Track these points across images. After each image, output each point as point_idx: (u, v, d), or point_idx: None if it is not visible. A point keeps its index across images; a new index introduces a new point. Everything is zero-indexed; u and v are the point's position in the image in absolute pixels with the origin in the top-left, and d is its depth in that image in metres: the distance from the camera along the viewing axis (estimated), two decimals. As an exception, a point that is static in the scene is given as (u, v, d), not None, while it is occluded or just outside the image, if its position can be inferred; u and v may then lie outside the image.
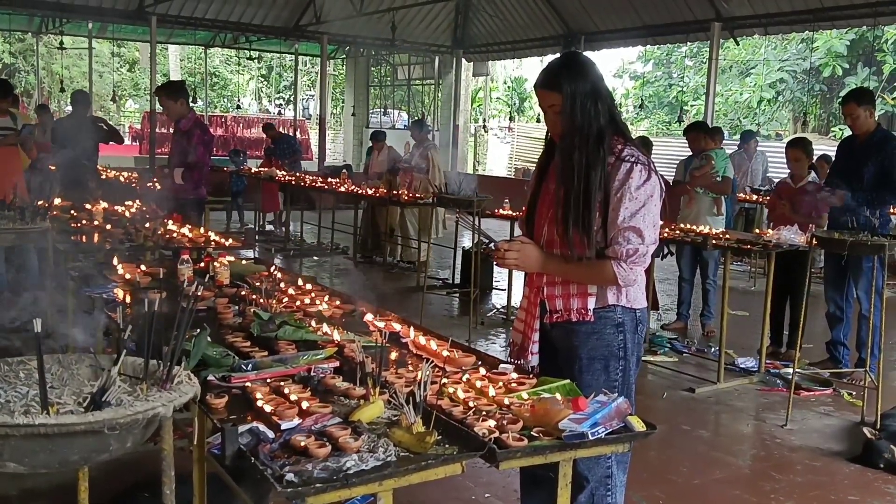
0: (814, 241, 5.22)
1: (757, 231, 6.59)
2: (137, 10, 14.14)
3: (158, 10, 14.09)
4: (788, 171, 6.61)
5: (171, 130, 6.98)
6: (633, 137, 2.61)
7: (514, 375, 2.44)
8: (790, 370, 5.53)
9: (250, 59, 23.83)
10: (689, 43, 20.82)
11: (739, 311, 8.05)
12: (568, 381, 2.36)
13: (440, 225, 9.92)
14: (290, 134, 16.48)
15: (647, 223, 2.46)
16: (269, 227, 13.07)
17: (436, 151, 10.25)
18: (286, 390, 2.24)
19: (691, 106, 24.54)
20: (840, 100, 5.87)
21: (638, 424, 2.10)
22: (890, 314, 5.75)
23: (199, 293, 2.24)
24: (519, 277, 7.38)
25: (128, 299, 3.08)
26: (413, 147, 10.16)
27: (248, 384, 2.30)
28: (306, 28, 15.96)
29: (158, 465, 1.94)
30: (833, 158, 6.31)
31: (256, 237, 12.18)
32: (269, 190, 12.36)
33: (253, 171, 12.30)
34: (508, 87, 33.83)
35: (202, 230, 5.18)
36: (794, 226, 5.88)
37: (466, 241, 10.17)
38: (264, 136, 14.00)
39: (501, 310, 7.91)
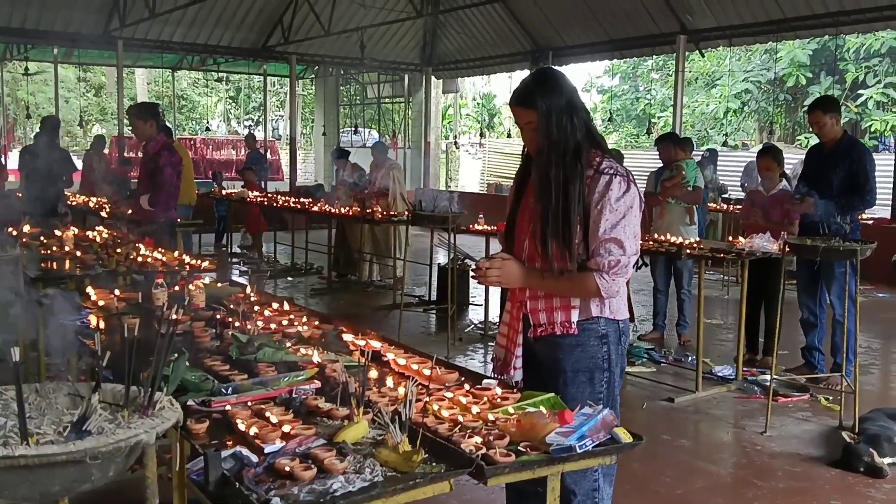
0: (786, 249, 5.28)
1: (730, 238, 6.65)
2: (104, 35, 14.03)
3: (125, 33, 13.99)
4: (759, 179, 6.69)
5: (140, 154, 6.92)
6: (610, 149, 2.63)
7: (499, 391, 2.44)
8: (767, 377, 5.57)
9: (218, 80, 23.72)
10: (654, 56, 21.11)
11: (714, 319, 8.12)
12: (552, 394, 2.36)
13: (404, 241, 9.89)
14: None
15: (628, 234, 2.48)
16: (236, 249, 12.99)
17: (398, 171, 10.24)
18: (268, 413, 2.21)
19: (659, 118, 24.81)
20: (805, 109, 5.96)
21: (624, 436, 2.10)
22: (863, 319, 5.82)
23: (178, 317, 2.21)
24: (495, 292, 7.39)
25: (102, 326, 3.03)
26: (374, 168, 10.13)
27: (228, 408, 2.27)
28: (274, 49, 15.95)
29: (138, 494, 1.90)
30: (801, 166, 6.39)
31: (231, 259, 12.09)
32: (254, 212, 12.31)
33: (224, 193, 12.23)
34: (478, 103, 34.03)
35: (175, 253, 5.12)
36: (766, 233, 5.94)
37: (441, 258, 10.16)
38: (245, 147, 14.19)
39: (479, 325, 7.91)
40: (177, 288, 3.89)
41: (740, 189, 12.41)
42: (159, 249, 5.06)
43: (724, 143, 24.17)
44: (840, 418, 5.17)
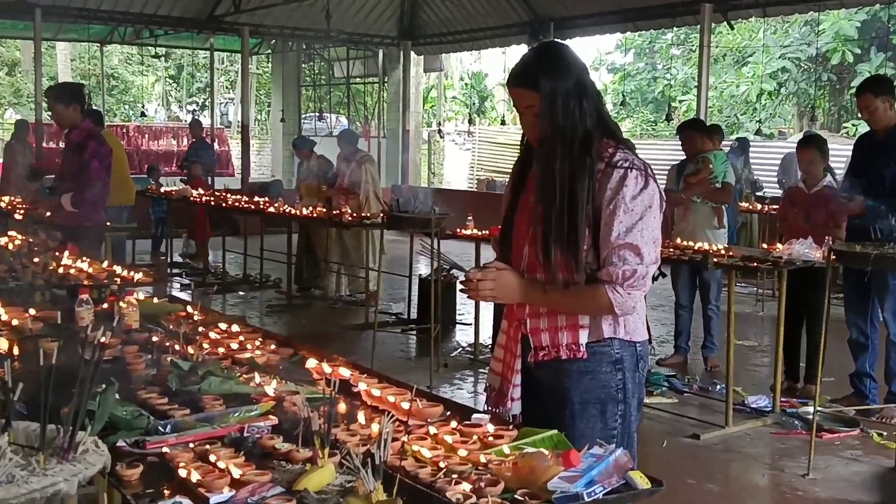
0: (832, 256, 5.30)
1: (765, 245, 6.68)
2: (18, 2, 13.96)
3: (43, 0, 13.92)
4: (799, 174, 6.73)
5: (62, 144, 6.90)
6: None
7: (491, 427, 2.43)
8: (810, 409, 5.59)
9: (156, 56, 23.66)
10: (675, 28, 21.22)
11: (747, 340, 8.15)
12: (555, 431, 2.36)
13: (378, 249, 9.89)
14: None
15: (646, 239, 2.48)
16: (177, 258, 12.96)
17: (371, 165, 10.24)
18: (214, 456, 2.20)
19: (680, 102, 24.98)
20: (853, 91, 6.01)
21: (641, 481, 2.10)
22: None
23: (106, 340, 2.20)
24: (488, 309, 7.39)
25: (15, 351, 3.00)
26: (342, 161, 10.09)
27: (167, 449, 2.26)
28: (223, 19, 15.91)
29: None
30: (849, 158, 6.42)
31: (170, 270, 12.04)
32: (199, 214, 12.27)
33: (162, 191, 12.19)
34: (466, 84, 34.14)
35: (104, 264, 5.09)
36: (807, 238, 5.96)
37: (423, 268, 10.16)
38: (188, 136, 14.10)
39: (468, 348, 7.91)
40: (105, 305, 3.88)
41: (777, 186, 12.48)
42: (84, 259, 5.03)
43: (758, 132, 24.37)
44: (896, 458, 5.20)
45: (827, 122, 24.82)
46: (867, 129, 6.09)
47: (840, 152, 11.18)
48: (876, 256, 4.98)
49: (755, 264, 5.95)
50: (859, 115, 6.38)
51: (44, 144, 15.99)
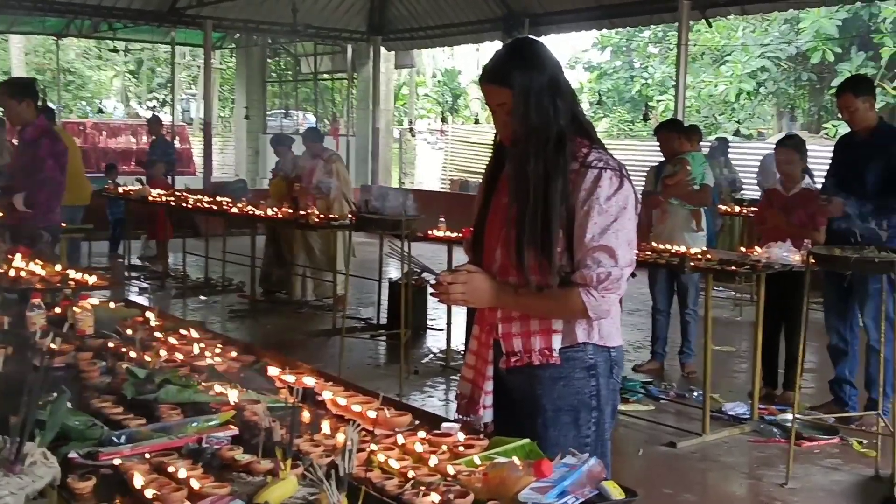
0: (811, 260, 5.34)
1: (743, 249, 6.73)
2: (-33, -8, 13.83)
3: (-4, -9, 13.81)
4: (778, 175, 6.77)
5: (15, 141, 6.84)
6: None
7: (461, 436, 2.43)
8: (788, 416, 5.63)
9: (115, 51, 23.48)
10: (653, 26, 21.35)
11: (725, 346, 8.20)
12: (527, 440, 2.36)
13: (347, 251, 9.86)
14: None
15: (621, 241, 2.48)
16: (135, 260, 12.87)
17: (341, 164, 10.20)
18: (171, 467, 2.18)
19: (657, 101, 25.12)
20: (833, 91, 6.07)
21: (615, 491, 2.10)
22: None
23: (58, 346, 2.17)
24: (460, 314, 7.39)
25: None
26: (307, 160, 10.00)
27: (121, 461, 2.24)
28: (184, 11, 15.82)
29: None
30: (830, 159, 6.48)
31: (128, 273, 11.95)
32: (158, 214, 12.17)
33: (121, 190, 12.08)
34: (439, 81, 34.20)
35: (57, 266, 5.04)
36: (786, 241, 6.01)
37: (394, 272, 10.15)
38: (147, 134, 14.01)
39: (439, 355, 7.90)
40: (58, 310, 3.84)
41: (756, 187, 12.56)
42: (37, 261, 4.98)
43: (737, 132, 24.53)
44: (876, 466, 5.24)
45: (807, 122, 25.06)
46: (848, 129, 6.14)
47: (820, 153, 11.28)
48: (856, 260, 5.02)
49: (733, 268, 5.98)
50: (840, 115, 6.44)
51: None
